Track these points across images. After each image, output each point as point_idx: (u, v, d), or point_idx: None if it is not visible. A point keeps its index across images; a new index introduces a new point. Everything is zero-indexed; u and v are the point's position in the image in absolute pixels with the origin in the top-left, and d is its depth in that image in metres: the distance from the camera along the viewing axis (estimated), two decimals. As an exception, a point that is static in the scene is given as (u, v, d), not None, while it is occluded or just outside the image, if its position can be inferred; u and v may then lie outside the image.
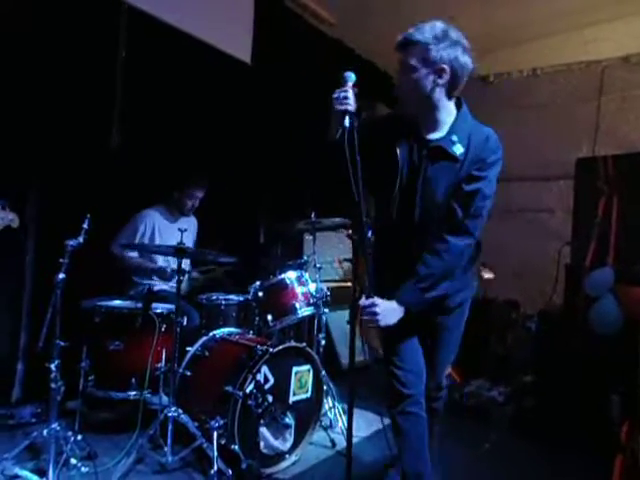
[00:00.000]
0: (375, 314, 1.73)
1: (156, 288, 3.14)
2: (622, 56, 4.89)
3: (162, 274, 3.12)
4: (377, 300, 1.74)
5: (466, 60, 1.81)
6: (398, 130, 1.84)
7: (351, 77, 1.73)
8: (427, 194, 1.79)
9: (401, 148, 1.81)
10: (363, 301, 1.74)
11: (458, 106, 1.84)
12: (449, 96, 1.80)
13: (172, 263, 3.15)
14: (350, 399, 1.68)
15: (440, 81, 1.74)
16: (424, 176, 1.79)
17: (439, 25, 1.80)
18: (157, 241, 3.19)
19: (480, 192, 1.76)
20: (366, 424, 2.96)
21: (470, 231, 1.78)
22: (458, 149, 1.75)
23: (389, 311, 1.76)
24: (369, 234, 1.68)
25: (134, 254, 3.19)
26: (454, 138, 1.76)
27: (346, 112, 1.69)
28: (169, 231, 3.22)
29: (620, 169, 3.11)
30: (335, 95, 1.73)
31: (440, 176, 1.77)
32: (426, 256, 1.77)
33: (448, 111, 1.81)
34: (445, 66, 1.74)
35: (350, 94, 1.71)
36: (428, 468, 1.96)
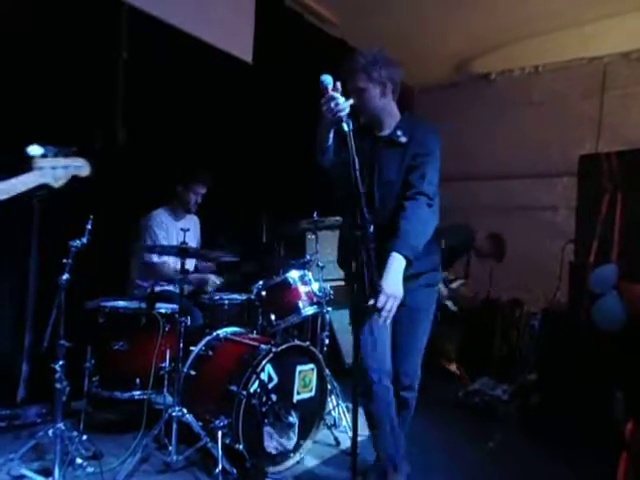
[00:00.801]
0: (391, 308, 1.85)
1: (158, 289, 3.15)
2: (624, 52, 4.87)
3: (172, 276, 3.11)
4: (384, 292, 1.84)
5: (398, 72, 2.15)
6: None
7: (329, 80, 1.80)
8: (383, 177, 2.11)
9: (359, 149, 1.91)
10: (381, 301, 1.83)
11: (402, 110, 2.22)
12: (392, 102, 2.18)
13: (174, 263, 3.15)
14: (354, 398, 1.68)
15: (385, 93, 2.12)
16: (379, 163, 2.12)
17: (371, 51, 2.10)
18: (165, 242, 3.18)
19: (429, 164, 2.10)
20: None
21: (427, 193, 2.07)
22: (403, 138, 2.13)
23: (395, 285, 1.89)
24: (371, 229, 1.69)
25: (168, 260, 3.14)
26: (399, 132, 2.14)
27: (342, 119, 1.78)
28: (173, 231, 3.23)
29: (624, 165, 3.09)
30: (325, 107, 1.80)
31: (392, 160, 2.11)
32: (402, 214, 2.02)
33: (394, 114, 2.19)
34: (386, 81, 2.09)
35: (339, 99, 1.78)
36: (401, 451, 2.15)
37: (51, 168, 1.78)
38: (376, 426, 2.14)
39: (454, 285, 4.37)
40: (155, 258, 3.10)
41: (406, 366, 2.21)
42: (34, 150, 1.76)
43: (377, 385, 2.06)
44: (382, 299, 1.83)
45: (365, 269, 1.68)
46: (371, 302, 1.84)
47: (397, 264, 1.91)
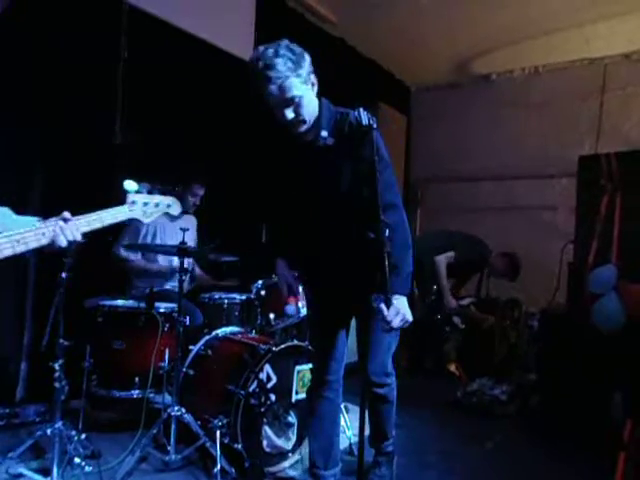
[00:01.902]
0: (405, 320, 1.73)
1: (157, 288, 3.15)
2: (624, 53, 4.88)
3: (163, 275, 3.14)
4: (395, 307, 1.72)
5: (309, 60, 1.81)
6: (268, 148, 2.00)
7: None
8: (323, 181, 1.88)
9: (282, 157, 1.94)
10: (391, 315, 1.68)
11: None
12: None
13: (174, 262, 3.15)
14: (361, 399, 1.69)
15: (315, 89, 1.86)
16: (317, 172, 1.88)
17: (284, 49, 1.73)
18: (158, 241, 3.19)
19: (386, 168, 1.81)
20: (369, 422, 2.96)
21: (400, 206, 1.87)
22: (330, 140, 1.85)
23: (406, 307, 1.79)
24: (386, 232, 1.65)
25: (137, 256, 3.18)
26: (324, 133, 1.85)
27: None
28: (170, 231, 3.22)
29: (623, 166, 3.09)
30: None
31: (327, 167, 1.87)
32: (389, 243, 1.67)
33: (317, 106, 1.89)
34: (312, 76, 1.82)
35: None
36: (335, 452, 2.12)
37: (143, 204, 1.81)
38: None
39: (464, 302, 4.37)
40: (124, 253, 3.12)
41: (380, 364, 2.14)
42: (129, 185, 1.79)
43: (330, 386, 2.09)
44: (393, 314, 1.70)
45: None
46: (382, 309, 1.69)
47: (402, 301, 1.78)
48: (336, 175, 1.86)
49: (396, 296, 1.74)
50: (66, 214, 1.52)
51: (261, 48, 1.74)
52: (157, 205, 1.85)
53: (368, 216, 1.69)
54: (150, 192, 1.85)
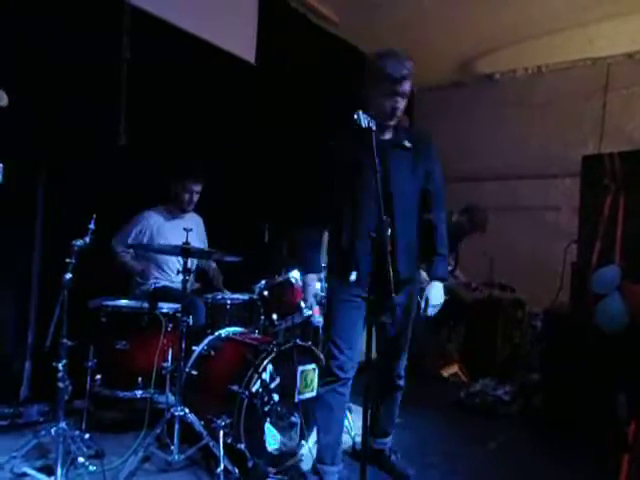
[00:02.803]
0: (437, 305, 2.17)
1: (161, 284, 3.16)
2: (627, 53, 4.86)
3: (141, 276, 3.19)
4: (438, 288, 2.18)
5: None
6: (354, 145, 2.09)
7: None
8: (397, 181, 2.12)
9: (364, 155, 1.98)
10: (435, 298, 2.16)
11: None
12: None
13: (177, 262, 3.16)
14: (365, 397, 1.69)
15: None
16: (390, 167, 2.11)
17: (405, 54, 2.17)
18: (158, 241, 3.19)
19: (440, 175, 2.29)
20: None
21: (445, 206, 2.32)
22: (408, 143, 2.17)
23: (439, 292, 2.19)
24: (388, 232, 1.70)
25: (128, 254, 3.21)
26: (402, 136, 2.19)
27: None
28: (172, 231, 3.22)
29: (627, 166, 3.08)
30: None
31: (402, 164, 2.16)
32: (436, 233, 2.23)
33: None
34: None
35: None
36: (340, 449, 2.28)
37: None
38: None
39: None
40: (120, 248, 3.15)
41: (402, 361, 2.38)
42: None
43: (344, 383, 2.20)
44: (432, 311, 2.18)
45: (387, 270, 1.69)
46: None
47: (440, 285, 2.21)
48: (407, 173, 2.16)
49: (438, 282, 2.18)
50: None
51: (397, 49, 2.15)
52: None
53: (420, 211, 2.19)
54: None
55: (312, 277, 2.36)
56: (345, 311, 2.19)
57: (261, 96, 4.09)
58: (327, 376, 2.21)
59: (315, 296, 2.39)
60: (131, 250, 3.22)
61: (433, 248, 2.23)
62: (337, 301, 2.23)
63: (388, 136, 2.19)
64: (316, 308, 2.57)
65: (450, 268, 4.23)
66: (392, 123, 2.14)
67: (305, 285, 2.38)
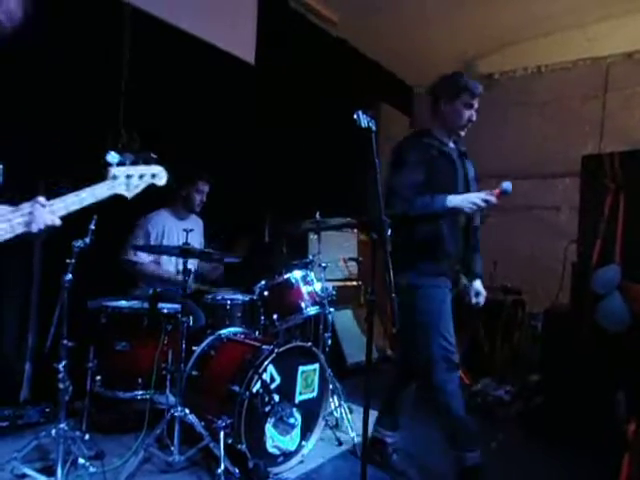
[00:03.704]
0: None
1: (160, 288, 3.15)
2: (627, 52, 4.86)
3: (174, 282, 3.12)
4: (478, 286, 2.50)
5: None
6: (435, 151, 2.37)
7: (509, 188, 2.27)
8: (472, 185, 2.50)
9: (446, 161, 2.39)
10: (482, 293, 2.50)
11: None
12: None
13: (178, 263, 3.16)
14: (366, 398, 1.69)
15: None
16: (467, 174, 2.49)
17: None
18: (166, 243, 3.19)
19: None
20: (372, 423, 2.95)
21: None
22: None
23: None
24: (388, 232, 1.71)
25: (146, 260, 3.16)
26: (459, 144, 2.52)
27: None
28: (175, 232, 3.23)
29: (626, 166, 3.08)
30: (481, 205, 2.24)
31: (469, 171, 2.52)
32: (477, 230, 2.55)
33: None
34: None
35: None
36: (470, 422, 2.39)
37: (126, 177, 1.63)
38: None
39: None
40: (132, 256, 3.10)
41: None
42: (111, 157, 1.62)
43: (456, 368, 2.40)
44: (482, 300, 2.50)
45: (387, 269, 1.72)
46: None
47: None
48: (466, 178, 2.47)
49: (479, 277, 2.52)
50: (40, 199, 1.43)
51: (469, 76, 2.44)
52: (141, 177, 1.69)
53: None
54: (134, 163, 1.68)
55: (451, 196, 2.28)
56: (445, 307, 2.34)
57: (260, 97, 4.09)
58: (448, 364, 2.30)
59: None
60: (151, 256, 3.18)
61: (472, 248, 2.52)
62: (436, 300, 2.33)
63: (452, 145, 2.47)
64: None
65: None
66: (463, 133, 2.45)
67: (463, 202, 2.26)
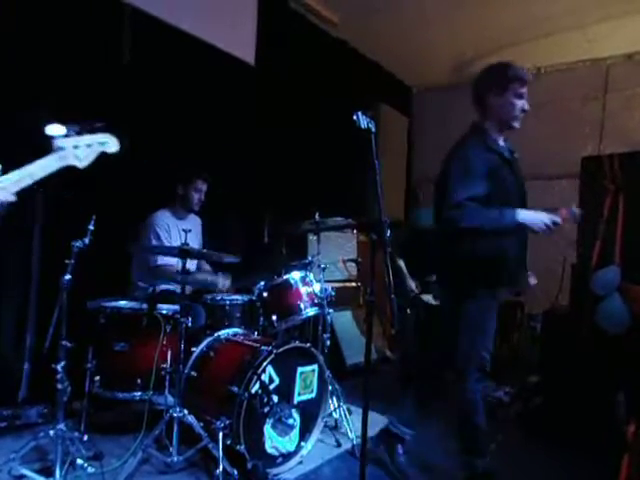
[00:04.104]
0: None
1: (160, 288, 3.15)
2: (626, 54, 4.87)
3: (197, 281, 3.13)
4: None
5: None
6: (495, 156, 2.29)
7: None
8: (522, 193, 2.38)
9: (508, 170, 2.32)
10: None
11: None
12: None
13: (176, 263, 3.15)
14: (365, 399, 1.69)
15: None
16: (521, 181, 2.40)
17: None
18: (166, 242, 3.17)
19: None
20: (371, 424, 2.94)
21: None
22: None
23: None
24: (387, 233, 1.71)
25: (172, 261, 3.03)
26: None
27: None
28: (174, 232, 3.23)
29: (626, 167, 3.08)
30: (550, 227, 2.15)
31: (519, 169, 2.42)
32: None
33: None
34: None
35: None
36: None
37: (73, 147, 1.63)
38: None
39: (431, 277, 4.22)
40: (160, 260, 3.06)
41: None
42: (53, 130, 1.63)
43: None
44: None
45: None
46: None
47: None
48: (520, 181, 2.37)
49: None
50: None
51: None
52: (89, 146, 1.68)
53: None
54: (79, 133, 1.66)
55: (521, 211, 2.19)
56: (494, 319, 2.33)
57: (260, 97, 4.09)
58: (480, 374, 2.33)
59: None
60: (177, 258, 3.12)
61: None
62: (489, 310, 2.31)
63: (502, 143, 2.36)
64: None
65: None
66: (517, 125, 2.31)
67: (534, 220, 2.16)
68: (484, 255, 2.21)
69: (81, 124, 1.69)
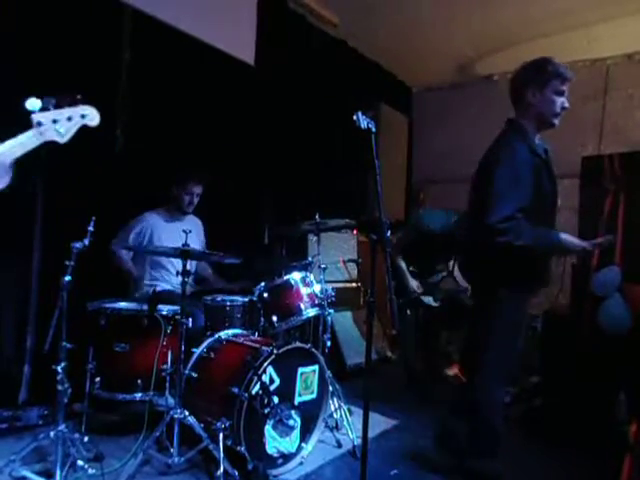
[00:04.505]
0: None
1: (159, 288, 3.15)
2: (627, 53, 4.86)
3: (135, 281, 3.19)
4: None
5: None
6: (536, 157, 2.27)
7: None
8: (553, 188, 2.31)
9: (548, 172, 2.30)
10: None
11: None
12: None
13: (176, 264, 3.16)
14: (365, 399, 1.69)
15: None
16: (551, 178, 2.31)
17: None
18: (157, 243, 3.18)
19: None
20: (372, 425, 2.94)
21: None
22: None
23: None
24: (388, 234, 1.71)
25: (129, 256, 3.21)
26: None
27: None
28: (171, 233, 3.21)
29: (626, 167, 3.08)
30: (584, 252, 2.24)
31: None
32: None
33: None
34: None
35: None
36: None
37: (52, 122, 1.57)
38: None
39: (433, 279, 4.25)
40: (118, 249, 3.15)
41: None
42: (31, 104, 1.55)
43: None
44: None
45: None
46: None
47: None
48: (554, 182, 2.30)
49: None
50: None
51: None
52: (70, 119, 1.61)
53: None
54: (58, 106, 1.61)
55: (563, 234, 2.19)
56: (521, 331, 2.30)
57: (260, 97, 4.09)
58: (505, 379, 2.35)
59: None
60: (130, 252, 3.21)
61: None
62: (522, 310, 2.28)
63: (538, 141, 2.30)
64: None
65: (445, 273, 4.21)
66: (557, 122, 2.26)
67: (574, 246, 2.19)
68: (526, 256, 2.18)
69: (58, 97, 1.63)
